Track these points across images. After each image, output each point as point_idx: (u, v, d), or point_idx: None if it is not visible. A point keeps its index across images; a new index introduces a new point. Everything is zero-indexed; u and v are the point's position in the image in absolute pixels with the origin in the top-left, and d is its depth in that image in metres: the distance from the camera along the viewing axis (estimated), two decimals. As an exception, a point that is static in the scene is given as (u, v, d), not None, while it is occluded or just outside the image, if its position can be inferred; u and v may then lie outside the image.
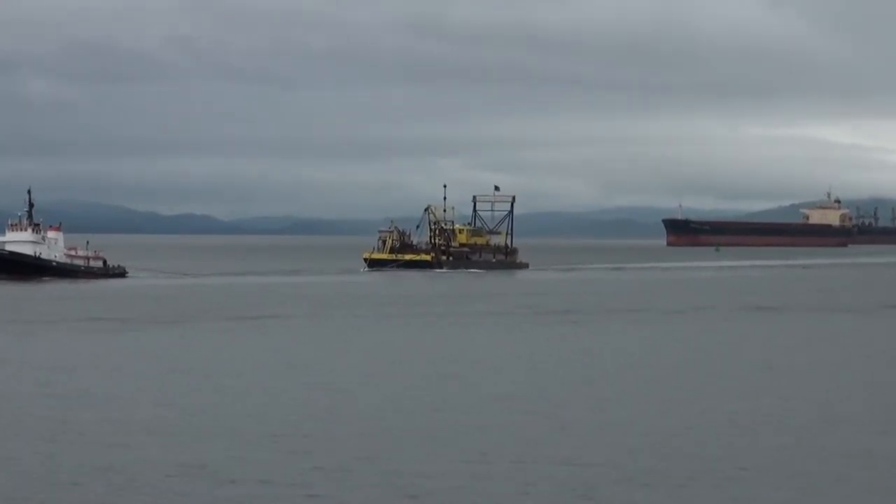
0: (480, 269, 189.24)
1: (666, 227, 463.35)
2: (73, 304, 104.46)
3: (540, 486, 32.98)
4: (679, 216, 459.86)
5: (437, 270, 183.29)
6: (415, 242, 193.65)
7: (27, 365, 59.82)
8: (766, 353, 67.09)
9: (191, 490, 32.49)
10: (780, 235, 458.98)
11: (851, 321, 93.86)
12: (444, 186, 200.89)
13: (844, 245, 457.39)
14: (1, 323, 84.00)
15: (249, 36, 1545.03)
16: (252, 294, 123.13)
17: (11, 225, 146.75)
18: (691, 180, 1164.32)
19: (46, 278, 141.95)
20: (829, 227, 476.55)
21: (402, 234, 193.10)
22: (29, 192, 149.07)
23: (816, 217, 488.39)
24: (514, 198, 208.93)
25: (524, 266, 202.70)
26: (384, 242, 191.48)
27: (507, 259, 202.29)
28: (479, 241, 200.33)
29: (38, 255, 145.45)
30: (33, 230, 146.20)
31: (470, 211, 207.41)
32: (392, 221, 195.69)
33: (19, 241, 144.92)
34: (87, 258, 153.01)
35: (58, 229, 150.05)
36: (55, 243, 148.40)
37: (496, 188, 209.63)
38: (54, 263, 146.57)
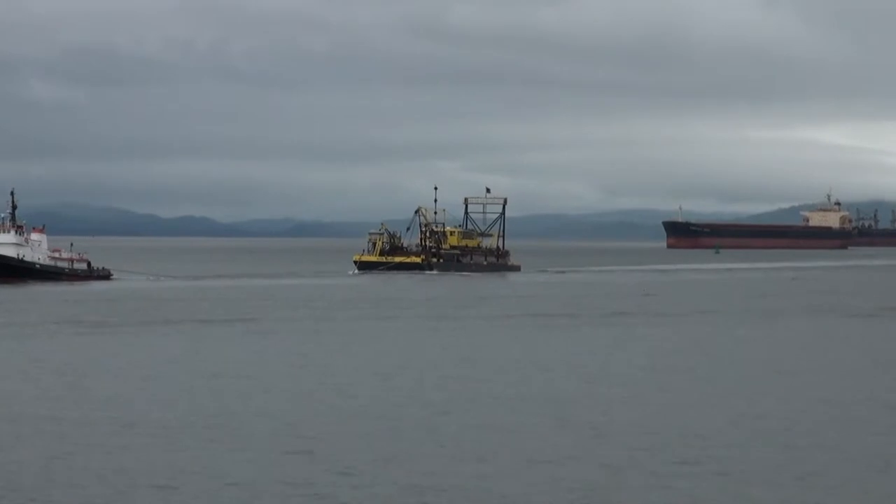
0: (471, 271, 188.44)
1: (666, 229, 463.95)
2: (48, 306, 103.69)
3: (550, 485, 33.25)
4: (679, 219, 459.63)
5: (428, 273, 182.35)
6: (405, 245, 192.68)
7: None
8: (771, 356, 67.19)
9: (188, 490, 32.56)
10: (780, 238, 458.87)
11: (856, 324, 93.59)
12: (435, 188, 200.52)
13: (844, 247, 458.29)
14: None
15: (249, 39, 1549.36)
16: (232, 297, 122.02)
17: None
18: (692, 183, 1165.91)
19: (30, 280, 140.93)
20: (829, 229, 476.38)
21: (392, 236, 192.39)
22: (12, 193, 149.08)
23: (816, 219, 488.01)
24: (505, 200, 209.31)
25: (516, 268, 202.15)
26: (374, 245, 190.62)
27: (498, 261, 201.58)
28: (471, 243, 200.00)
29: (21, 257, 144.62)
30: (16, 232, 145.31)
31: (462, 213, 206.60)
32: (382, 224, 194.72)
33: (2, 244, 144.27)
34: (71, 260, 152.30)
35: (41, 231, 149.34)
36: (39, 245, 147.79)
37: (487, 190, 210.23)
38: (38, 266, 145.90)
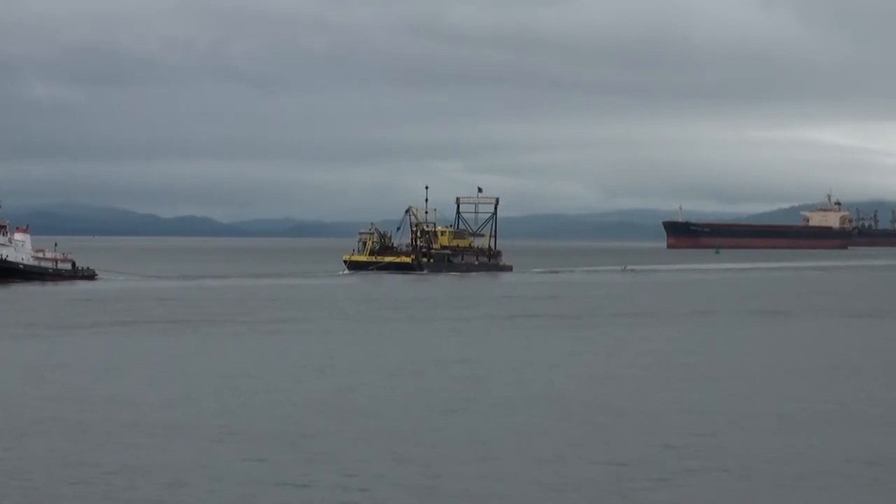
0: (462, 271, 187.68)
1: (666, 229, 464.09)
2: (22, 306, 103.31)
3: (554, 485, 33.40)
4: (679, 219, 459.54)
5: (418, 273, 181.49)
6: (395, 244, 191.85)
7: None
8: (771, 356, 67.06)
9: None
10: (780, 238, 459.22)
11: (857, 324, 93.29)
12: (426, 188, 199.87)
13: (844, 247, 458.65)
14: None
15: (249, 39, 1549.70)
16: (217, 297, 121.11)
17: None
18: (692, 183, 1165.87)
19: (13, 281, 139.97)
20: (829, 229, 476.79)
21: (382, 235, 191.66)
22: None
23: (816, 219, 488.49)
24: (497, 200, 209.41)
25: (507, 268, 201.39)
26: (364, 244, 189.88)
27: (490, 261, 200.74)
28: (462, 243, 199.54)
29: (4, 257, 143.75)
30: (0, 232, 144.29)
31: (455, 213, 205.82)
32: (372, 223, 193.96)
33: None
34: (56, 260, 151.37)
35: (25, 231, 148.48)
36: (22, 245, 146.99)
37: (479, 189, 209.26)
38: (21, 266, 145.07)
